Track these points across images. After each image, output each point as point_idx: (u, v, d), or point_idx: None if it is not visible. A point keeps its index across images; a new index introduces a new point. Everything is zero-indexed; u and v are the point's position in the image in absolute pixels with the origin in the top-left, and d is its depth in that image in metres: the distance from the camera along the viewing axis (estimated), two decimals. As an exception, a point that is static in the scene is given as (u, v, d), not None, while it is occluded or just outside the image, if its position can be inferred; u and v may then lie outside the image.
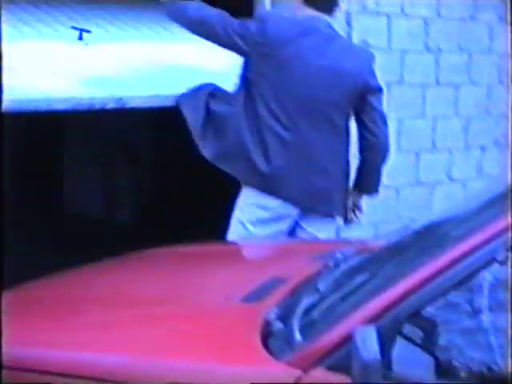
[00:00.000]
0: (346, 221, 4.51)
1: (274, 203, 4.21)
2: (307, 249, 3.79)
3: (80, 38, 4.64)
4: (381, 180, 4.52)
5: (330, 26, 4.32)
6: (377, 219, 5.92)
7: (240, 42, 4.14)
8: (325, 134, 4.22)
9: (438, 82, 6.40)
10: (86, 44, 4.67)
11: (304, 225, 4.28)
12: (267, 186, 4.17)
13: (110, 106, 4.54)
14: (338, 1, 4.46)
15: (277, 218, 4.22)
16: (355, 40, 5.70)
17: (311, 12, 4.27)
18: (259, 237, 4.22)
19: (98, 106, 4.51)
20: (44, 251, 7.18)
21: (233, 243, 4.25)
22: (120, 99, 4.57)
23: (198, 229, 7.74)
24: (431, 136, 6.43)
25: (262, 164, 4.15)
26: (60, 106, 4.43)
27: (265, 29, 4.14)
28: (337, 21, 4.72)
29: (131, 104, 4.64)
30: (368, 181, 4.46)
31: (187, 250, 3.83)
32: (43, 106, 4.36)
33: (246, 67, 4.21)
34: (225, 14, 4.23)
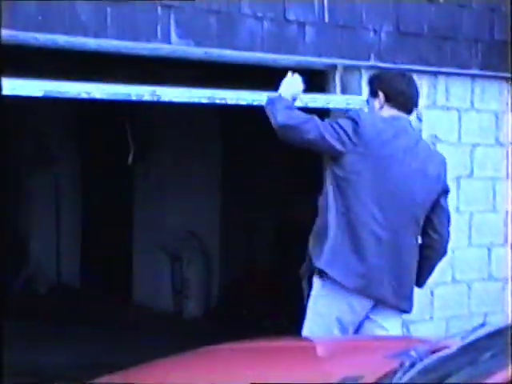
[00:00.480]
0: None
1: (364, 303, 4.21)
2: (380, 346, 3.73)
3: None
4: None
5: (411, 126, 4.44)
6: (448, 314, 5.83)
7: (337, 145, 4.17)
8: (411, 233, 4.29)
9: (508, 176, 6.35)
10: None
11: (372, 316, 4.26)
12: (363, 286, 4.17)
13: (146, 98, 4.77)
14: (418, 102, 4.56)
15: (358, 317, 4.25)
16: (425, 134, 5.71)
17: (394, 111, 4.35)
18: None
19: (134, 98, 4.76)
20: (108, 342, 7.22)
21: (304, 339, 4.20)
22: (154, 92, 4.78)
23: (273, 321, 7.81)
24: (503, 230, 6.36)
25: (357, 263, 4.15)
26: (97, 95, 4.64)
27: (362, 130, 4.19)
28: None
29: (165, 98, 4.84)
30: (423, 276, 4.49)
31: (257, 346, 3.80)
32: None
33: (336, 165, 4.22)
34: (315, 117, 4.26)
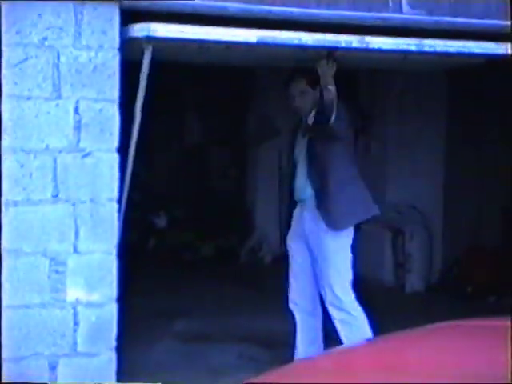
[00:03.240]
0: None
1: None
2: None
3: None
4: None
5: None
6: None
7: None
8: None
9: None
10: None
11: None
12: None
13: (355, 45, 4.95)
14: None
15: None
16: None
17: None
18: None
19: (343, 45, 4.95)
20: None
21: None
22: (362, 39, 4.93)
23: (498, 299, 7.61)
24: None
25: None
26: (309, 42, 4.90)
27: None
28: None
29: (374, 45, 4.98)
30: None
31: (494, 324, 3.67)
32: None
33: None
34: None
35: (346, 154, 5.38)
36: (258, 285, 8.43)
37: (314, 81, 5.23)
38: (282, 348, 6.00)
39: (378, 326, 6.80)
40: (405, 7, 5.12)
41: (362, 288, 8.56)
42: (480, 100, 8.07)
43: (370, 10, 4.98)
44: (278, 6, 4.83)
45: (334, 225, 5.27)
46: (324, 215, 5.28)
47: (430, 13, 5.16)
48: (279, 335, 6.42)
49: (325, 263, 5.36)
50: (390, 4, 5.08)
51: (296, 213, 5.55)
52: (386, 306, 7.69)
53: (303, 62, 5.23)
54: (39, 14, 4.57)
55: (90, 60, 4.65)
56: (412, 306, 7.67)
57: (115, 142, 4.71)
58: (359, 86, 9.06)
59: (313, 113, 5.31)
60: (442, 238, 8.76)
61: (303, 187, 5.40)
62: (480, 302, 7.82)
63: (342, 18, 4.94)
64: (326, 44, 4.96)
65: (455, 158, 8.52)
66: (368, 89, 8.97)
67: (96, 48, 4.65)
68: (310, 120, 5.34)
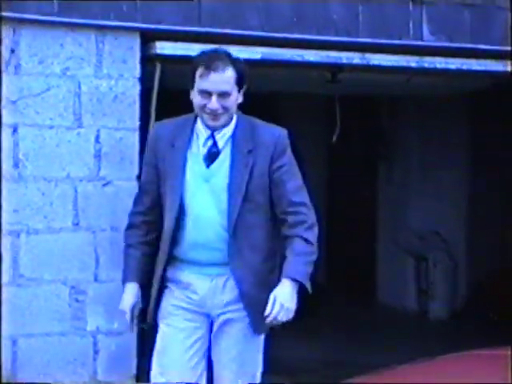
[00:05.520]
0: None
1: None
2: None
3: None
4: None
5: None
6: None
7: None
8: None
9: None
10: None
11: None
12: None
13: (356, 61, 5.03)
14: None
15: None
16: None
17: None
18: None
19: (345, 61, 5.03)
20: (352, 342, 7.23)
21: None
22: (363, 56, 5.01)
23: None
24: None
25: None
26: (311, 58, 4.96)
27: None
28: None
29: (373, 62, 5.06)
30: None
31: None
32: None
33: None
34: None
35: None
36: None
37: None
38: (302, 375, 5.97)
39: (400, 352, 6.77)
40: (425, 33, 5.12)
41: (385, 314, 8.57)
42: (504, 124, 8.03)
43: (390, 38, 4.99)
44: (298, 33, 4.85)
45: None
46: None
47: (450, 39, 5.16)
48: (299, 361, 6.40)
49: None
50: (411, 31, 5.08)
51: None
52: (409, 333, 7.64)
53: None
54: (61, 44, 4.61)
55: (111, 89, 4.68)
56: (435, 333, 7.61)
57: (135, 170, 4.73)
58: (380, 113, 9.05)
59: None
60: (466, 263, 8.68)
61: None
62: (505, 328, 7.74)
63: (363, 45, 4.95)
64: (329, 61, 4.99)
65: (479, 183, 8.47)
66: (390, 115, 8.95)
67: (116, 77, 4.69)
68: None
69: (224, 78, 3.36)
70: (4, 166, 4.57)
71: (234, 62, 3.41)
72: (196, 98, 3.40)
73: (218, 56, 3.39)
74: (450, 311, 8.49)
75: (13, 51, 4.54)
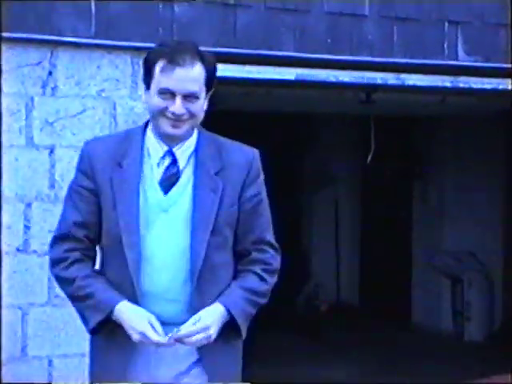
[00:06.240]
0: None
1: None
2: None
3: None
4: None
5: None
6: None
7: None
8: None
9: None
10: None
11: None
12: None
13: (391, 82, 5.01)
14: None
15: None
16: None
17: None
18: None
19: (379, 82, 5.00)
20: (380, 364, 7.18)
21: None
22: (398, 76, 4.99)
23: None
24: None
25: None
26: (345, 79, 4.95)
27: None
28: None
29: (408, 82, 5.04)
30: None
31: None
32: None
33: None
34: None
35: None
36: (315, 334, 8.33)
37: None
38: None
39: (434, 374, 6.72)
40: (460, 53, 5.10)
41: (420, 335, 8.50)
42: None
43: (425, 58, 4.97)
44: (332, 54, 4.85)
45: None
46: None
47: (486, 58, 5.14)
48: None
49: None
50: (446, 51, 5.07)
51: None
52: (444, 355, 7.57)
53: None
54: (98, 66, 4.65)
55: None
56: (470, 356, 7.53)
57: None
58: (415, 133, 9.01)
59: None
60: (503, 285, 8.60)
61: None
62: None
63: (398, 65, 4.94)
64: (363, 81, 4.97)
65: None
66: (425, 134, 8.91)
67: (152, 98, 4.71)
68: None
69: (192, 76, 2.63)
70: (40, 187, 4.61)
71: (204, 56, 2.68)
72: (153, 100, 2.67)
73: (184, 47, 2.67)
74: (486, 333, 8.41)
75: (50, 73, 4.59)
